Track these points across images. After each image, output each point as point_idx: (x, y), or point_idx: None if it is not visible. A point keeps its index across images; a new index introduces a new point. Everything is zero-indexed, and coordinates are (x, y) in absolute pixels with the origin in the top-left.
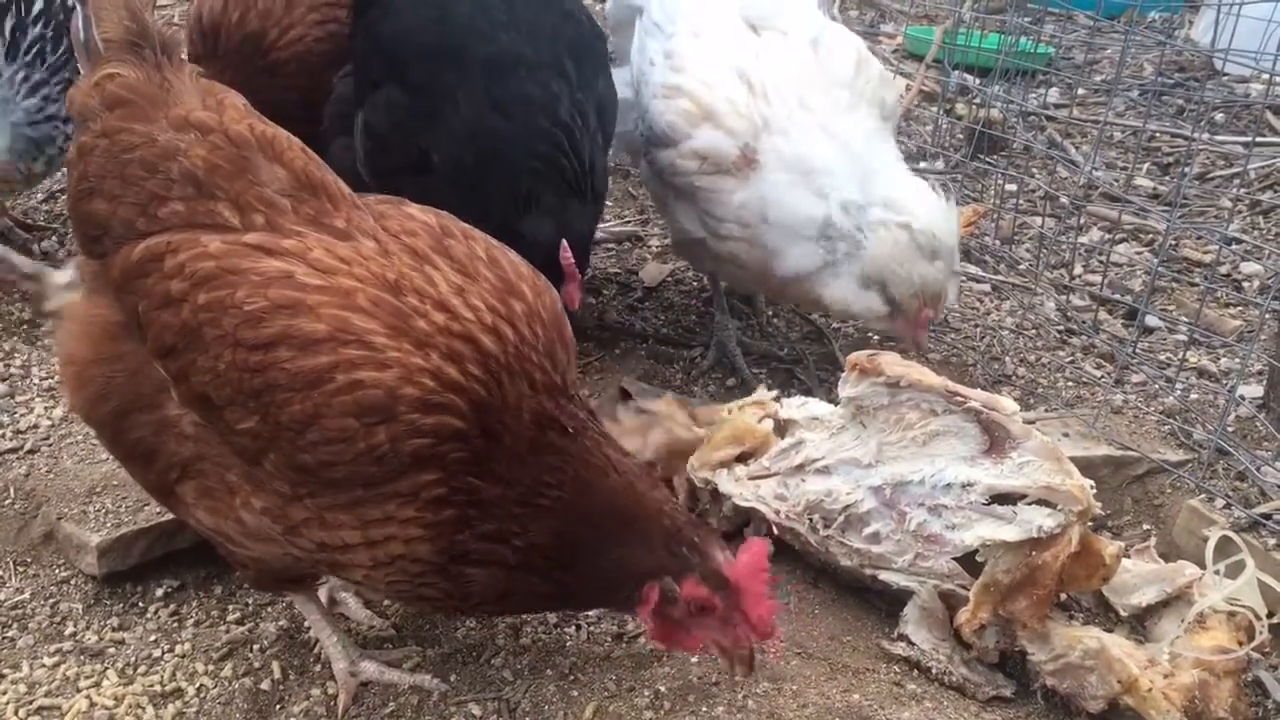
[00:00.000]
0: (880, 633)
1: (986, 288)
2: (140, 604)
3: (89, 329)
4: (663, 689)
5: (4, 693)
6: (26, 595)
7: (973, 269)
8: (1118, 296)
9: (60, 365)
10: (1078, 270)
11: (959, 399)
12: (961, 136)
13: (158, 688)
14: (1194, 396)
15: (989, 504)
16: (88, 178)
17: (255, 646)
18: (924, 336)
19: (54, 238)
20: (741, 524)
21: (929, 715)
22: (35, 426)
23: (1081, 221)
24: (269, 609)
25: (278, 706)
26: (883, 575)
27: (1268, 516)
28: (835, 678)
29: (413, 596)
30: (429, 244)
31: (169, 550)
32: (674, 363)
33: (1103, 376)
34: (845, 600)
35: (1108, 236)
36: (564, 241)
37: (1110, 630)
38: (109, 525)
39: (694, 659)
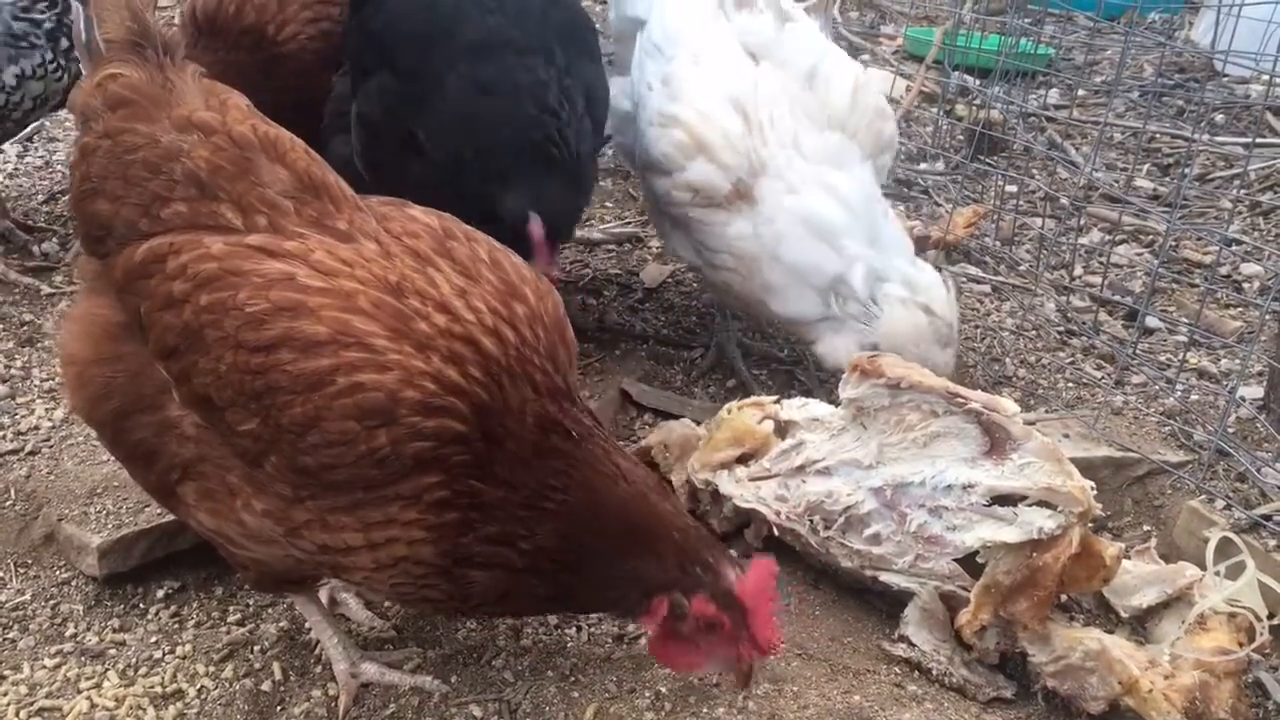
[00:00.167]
0: (881, 634)
1: (987, 289)
2: (141, 605)
3: (90, 329)
4: (663, 690)
5: (5, 694)
6: (27, 596)
7: (973, 270)
8: (1118, 298)
9: (61, 365)
10: (1078, 271)
11: (959, 400)
12: (962, 137)
13: (158, 689)
14: (1194, 398)
15: (990, 505)
16: (90, 178)
17: (256, 648)
18: None
19: (54, 240)
20: (742, 525)
21: (929, 717)
22: (36, 428)
23: (1082, 222)
24: (270, 610)
25: (278, 708)
26: (883, 576)
27: (1268, 518)
28: (836, 679)
29: (415, 598)
30: (431, 246)
31: (170, 551)
32: (674, 364)
33: (1103, 378)
34: (846, 601)
35: (1108, 237)
36: (535, 216)
37: (1111, 631)
38: (110, 527)
39: None
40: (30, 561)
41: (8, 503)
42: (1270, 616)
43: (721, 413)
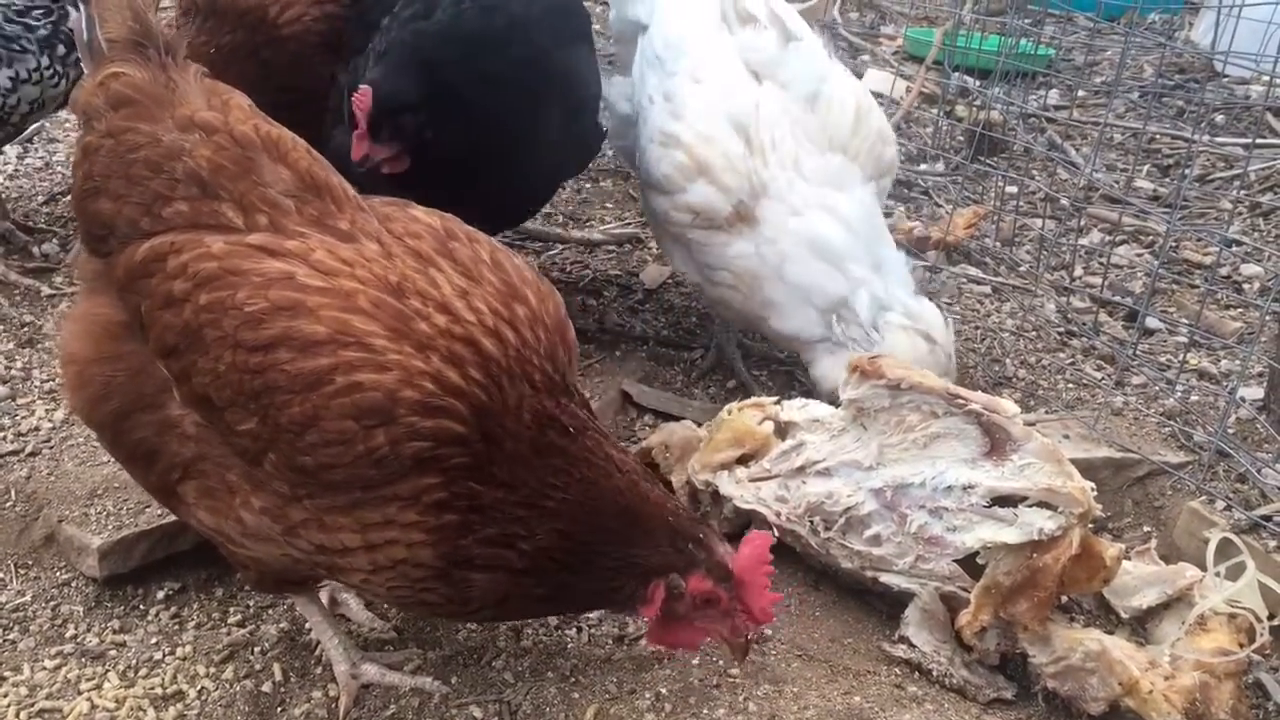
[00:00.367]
0: (881, 635)
1: (987, 289)
2: (141, 606)
3: (91, 328)
4: (664, 691)
5: (5, 695)
6: (28, 598)
7: (973, 271)
8: (1118, 298)
9: (61, 365)
10: (1078, 272)
11: (960, 401)
12: (962, 138)
13: (159, 690)
14: (1194, 398)
15: (990, 506)
16: (93, 177)
17: (256, 649)
18: None
19: (54, 241)
20: (742, 526)
21: (930, 717)
22: (36, 429)
23: (1082, 223)
24: (270, 611)
25: (279, 709)
26: (884, 577)
27: (1268, 518)
28: (836, 680)
29: (413, 602)
30: (433, 246)
31: (170, 553)
32: (674, 365)
33: (1103, 378)
34: (846, 602)
35: (1108, 238)
36: (368, 90)
37: (1111, 632)
38: (110, 528)
39: (695, 660)
40: (31, 563)
41: (8, 504)
42: (1270, 617)
43: (722, 414)
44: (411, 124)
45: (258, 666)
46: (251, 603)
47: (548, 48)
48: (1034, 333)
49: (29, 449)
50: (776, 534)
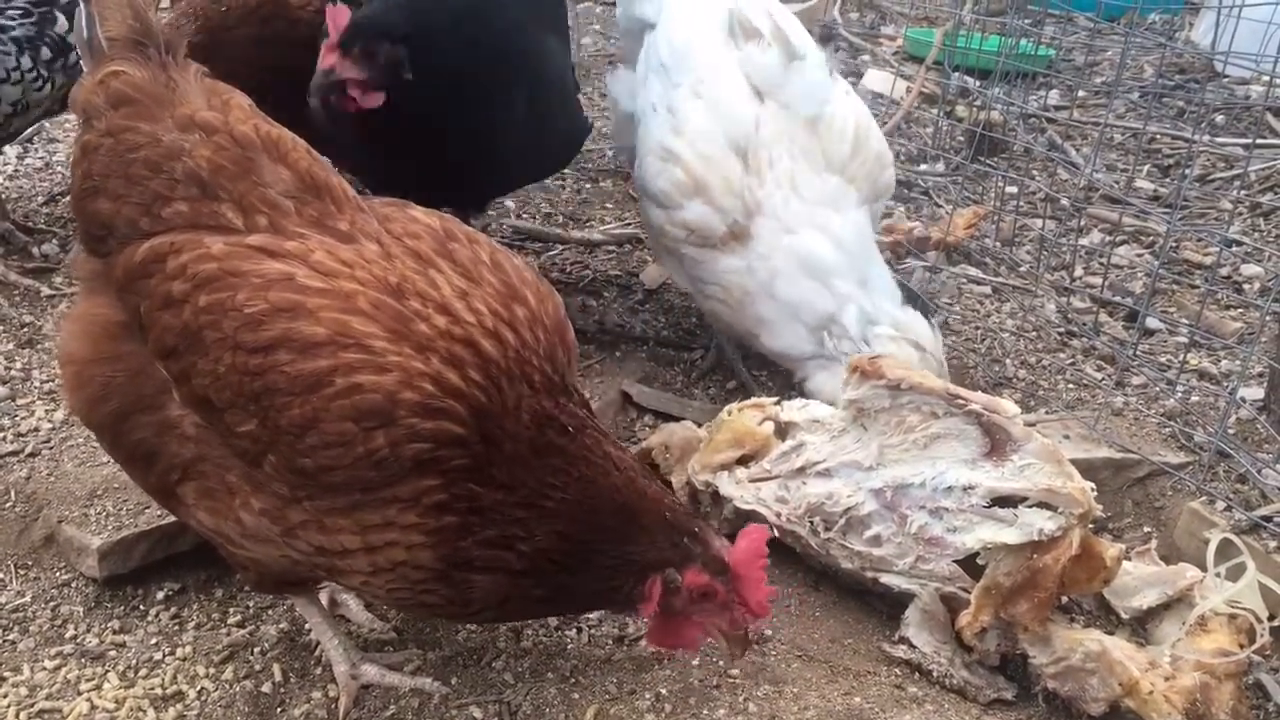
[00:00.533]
0: (881, 635)
1: (987, 290)
2: (141, 607)
3: (90, 328)
4: (664, 691)
5: (5, 696)
6: (27, 598)
7: (973, 271)
8: (1118, 299)
9: (60, 365)
10: (1078, 272)
11: (960, 401)
12: (962, 139)
13: (159, 690)
14: (1195, 399)
15: (990, 506)
16: (92, 176)
17: (256, 649)
18: None
19: (54, 241)
20: (743, 526)
21: (930, 718)
22: (36, 429)
23: (1082, 224)
24: (270, 612)
25: (279, 709)
26: (884, 578)
27: (1268, 519)
28: (836, 680)
29: (413, 603)
30: (432, 247)
31: (170, 553)
32: (674, 365)
33: (1103, 379)
34: (846, 603)
35: (1108, 239)
36: (345, 9)
37: (1111, 633)
38: (110, 528)
39: (695, 661)
40: (30, 563)
41: (8, 504)
42: (1271, 618)
43: (722, 414)
44: (389, 54)
45: (257, 667)
46: (251, 603)
47: (523, 24)
48: (1034, 333)
49: (29, 449)
50: (776, 534)
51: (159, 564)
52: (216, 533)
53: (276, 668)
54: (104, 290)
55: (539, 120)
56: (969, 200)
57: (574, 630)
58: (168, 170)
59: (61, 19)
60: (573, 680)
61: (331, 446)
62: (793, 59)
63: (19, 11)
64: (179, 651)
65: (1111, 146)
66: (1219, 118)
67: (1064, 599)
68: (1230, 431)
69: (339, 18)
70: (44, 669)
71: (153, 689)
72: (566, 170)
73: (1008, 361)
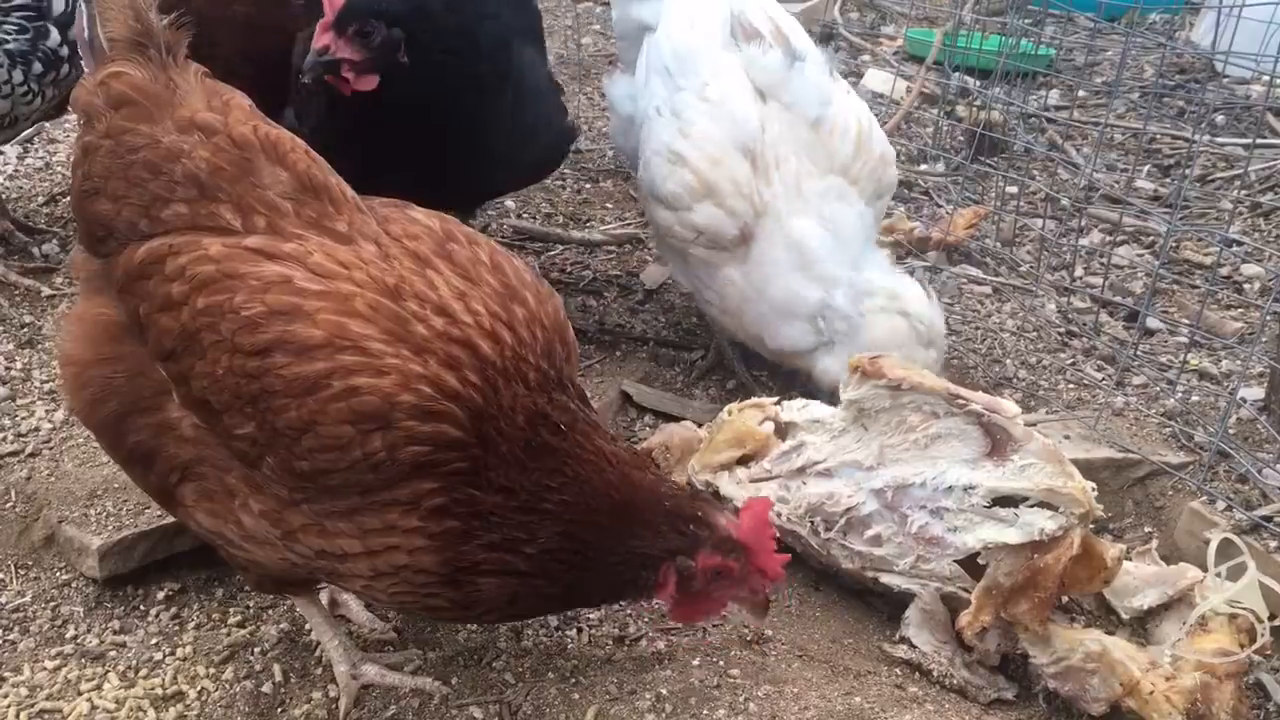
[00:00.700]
0: (881, 635)
1: (987, 290)
2: (141, 607)
3: (90, 330)
4: (664, 691)
5: (5, 696)
6: (28, 598)
7: (974, 271)
8: (1119, 299)
9: (60, 366)
10: (1079, 272)
11: (960, 401)
12: (962, 138)
13: (159, 690)
14: (1195, 399)
15: (990, 506)
16: (92, 177)
17: (256, 649)
18: None
19: (55, 241)
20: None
21: (930, 718)
22: (36, 429)
23: (1082, 224)
24: (270, 612)
25: (279, 709)
26: (884, 578)
27: (1269, 519)
28: (836, 680)
29: (418, 607)
30: (431, 248)
31: (170, 553)
32: (674, 365)
33: (1104, 379)
34: (847, 603)
35: (1108, 239)
36: None
37: (1112, 633)
38: (110, 528)
39: (695, 661)
40: (30, 563)
41: (8, 504)
42: (1271, 618)
43: (722, 414)
44: (384, 37)
45: (258, 667)
46: (251, 603)
47: (510, 21)
48: (1034, 333)
49: (29, 449)
50: (777, 534)
51: (159, 564)
52: (216, 534)
53: (277, 668)
54: (104, 291)
55: (524, 120)
56: (969, 200)
57: (574, 630)
58: (167, 172)
59: (54, 32)
60: (573, 680)
61: (329, 449)
62: (794, 60)
63: (14, 27)
64: (179, 651)
65: (1112, 146)
66: (1219, 118)
67: (1064, 599)
68: (1231, 431)
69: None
70: (44, 669)
71: (153, 689)
72: (567, 170)
73: (1008, 361)
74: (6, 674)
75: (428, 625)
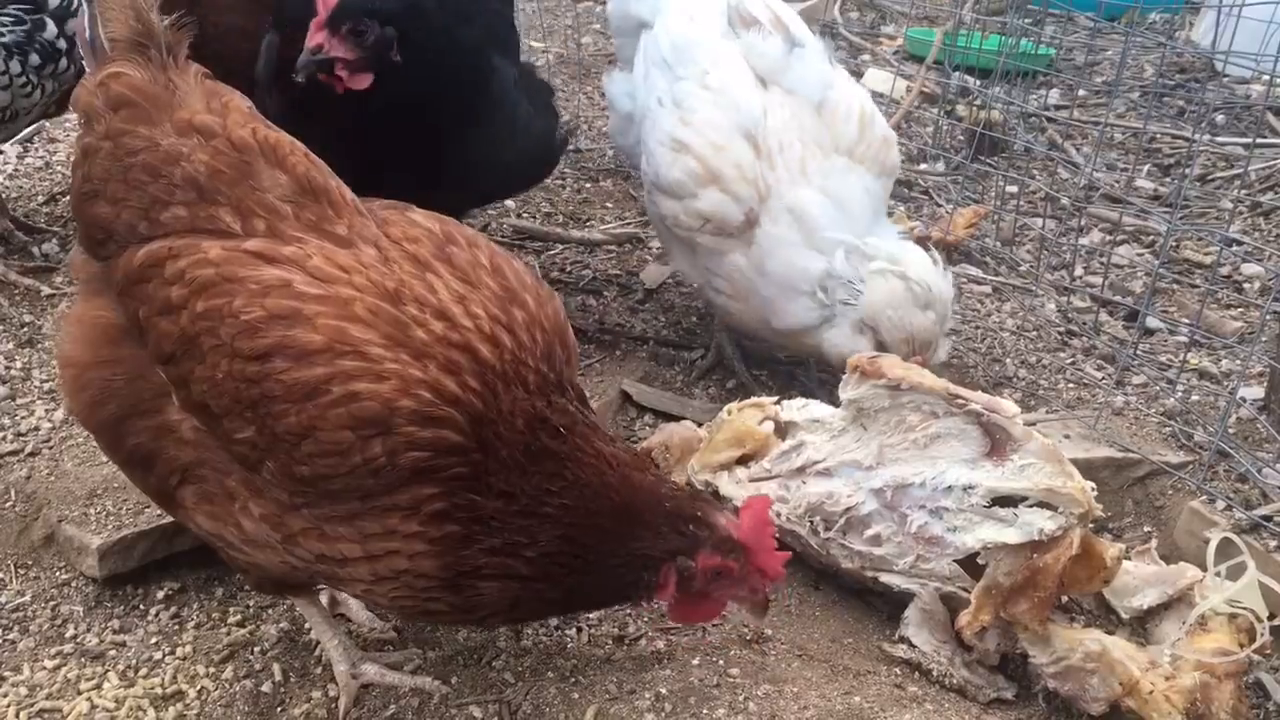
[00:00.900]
0: (881, 635)
1: (987, 289)
2: (141, 606)
3: (89, 332)
4: (664, 691)
5: (5, 695)
6: (27, 598)
7: (974, 270)
8: (1119, 298)
9: (59, 367)
10: (1078, 272)
11: (960, 401)
12: (962, 138)
13: (159, 690)
14: (1195, 398)
15: (990, 506)
16: (91, 179)
17: (256, 649)
18: None
19: (54, 240)
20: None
21: (930, 718)
22: (36, 429)
23: (1082, 223)
24: (270, 611)
25: (279, 709)
26: (884, 577)
27: (1269, 518)
28: (836, 680)
29: (418, 611)
30: (431, 251)
31: (170, 552)
32: (674, 364)
33: (1104, 378)
34: (846, 602)
35: (1108, 238)
36: None
37: (1111, 632)
38: (110, 527)
39: (695, 660)
40: (30, 563)
41: (8, 504)
42: (1271, 617)
43: (722, 414)
44: (377, 36)
45: (258, 666)
46: (251, 603)
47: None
48: (1034, 332)
49: (29, 449)
50: (777, 534)
51: (159, 563)
52: (216, 537)
53: (276, 667)
54: (103, 293)
55: (502, 125)
56: (969, 199)
57: (574, 630)
58: (166, 175)
59: (51, 25)
60: (573, 680)
61: (328, 455)
62: (793, 46)
63: (11, 19)
64: (179, 651)
65: (1112, 146)
66: (1219, 117)
67: (1064, 599)
68: (1230, 431)
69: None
70: (44, 668)
71: (153, 688)
72: (567, 169)
73: (1008, 361)
74: (6, 673)
75: (427, 625)
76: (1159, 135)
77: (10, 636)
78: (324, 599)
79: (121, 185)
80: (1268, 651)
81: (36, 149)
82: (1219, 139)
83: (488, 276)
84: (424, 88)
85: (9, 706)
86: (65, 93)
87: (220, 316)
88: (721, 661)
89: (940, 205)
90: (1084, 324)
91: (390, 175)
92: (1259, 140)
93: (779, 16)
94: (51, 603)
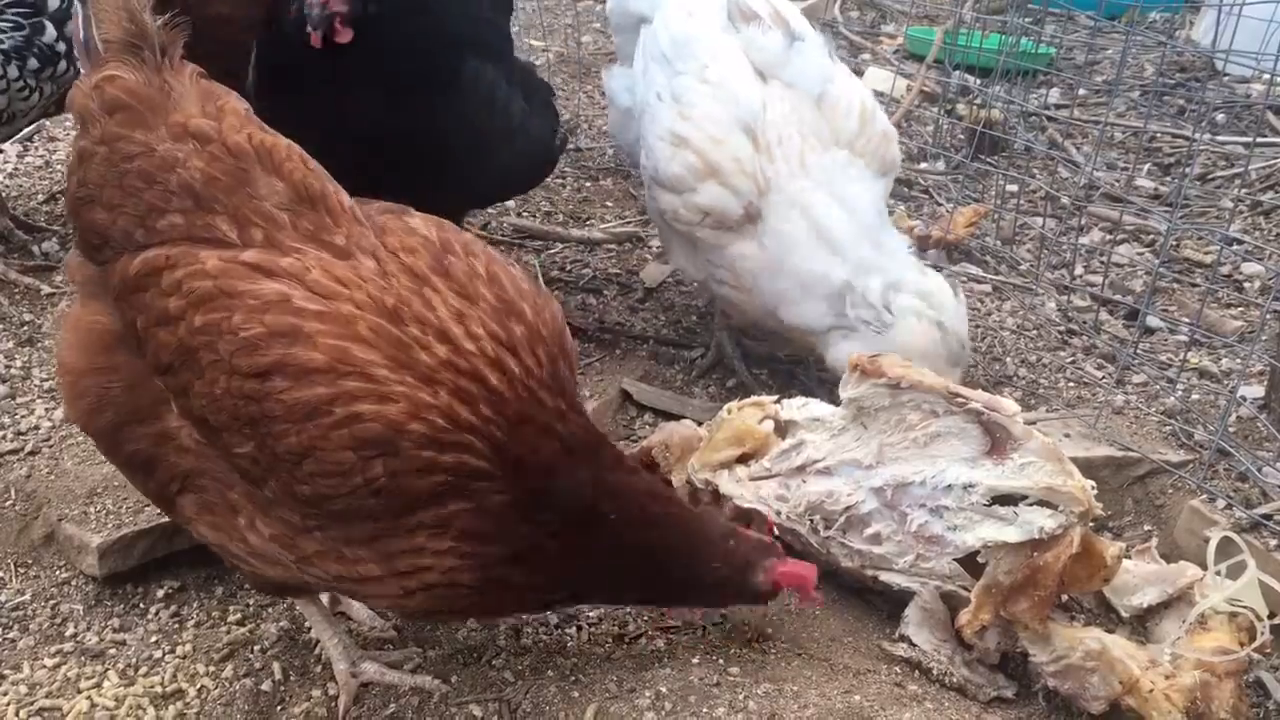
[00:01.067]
0: (881, 634)
1: (987, 288)
2: (141, 605)
3: (87, 338)
4: (664, 689)
5: (5, 694)
6: (27, 596)
7: (974, 269)
8: (1119, 297)
9: (58, 373)
10: (1079, 271)
11: (960, 400)
12: (962, 137)
13: (159, 689)
14: (1195, 397)
15: (990, 505)
16: (87, 185)
17: (256, 647)
18: None
19: (54, 239)
20: (742, 524)
21: (930, 716)
22: (36, 428)
23: (1082, 222)
24: (270, 610)
25: (279, 707)
26: (884, 576)
27: (1269, 517)
28: (836, 679)
29: (446, 612)
30: (428, 263)
31: (170, 551)
32: (674, 363)
33: (1104, 377)
34: (846, 601)
35: (1109, 237)
36: None
37: (1112, 631)
38: (110, 526)
39: (695, 659)
40: (30, 561)
41: (8, 502)
42: (1271, 616)
43: (722, 413)
44: None
45: (257, 665)
46: (251, 601)
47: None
48: (1035, 331)
49: (29, 447)
50: (776, 532)
51: (159, 562)
52: (220, 547)
53: (276, 666)
54: (100, 297)
55: (491, 122)
56: (969, 198)
57: (574, 628)
58: (162, 181)
59: (51, 29)
60: (573, 678)
61: (329, 475)
62: (793, 40)
63: (9, 24)
64: (179, 649)
65: (1112, 145)
66: (1219, 116)
67: (1064, 597)
68: (1231, 430)
69: None
70: (44, 667)
71: (153, 687)
72: (567, 168)
73: (1008, 360)
74: (6, 672)
75: (428, 624)
76: (1159, 134)
77: (10, 635)
78: (324, 598)
79: (117, 191)
80: (1268, 650)
81: (36, 147)
82: (1219, 138)
83: (484, 287)
84: (396, 46)
85: (9, 705)
86: (64, 94)
87: (219, 331)
88: (721, 660)
89: (940, 204)
90: (1084, 323)
91: (379, 163)
92: (1259, 139)
93: (779, 11)
94: (51, 601)
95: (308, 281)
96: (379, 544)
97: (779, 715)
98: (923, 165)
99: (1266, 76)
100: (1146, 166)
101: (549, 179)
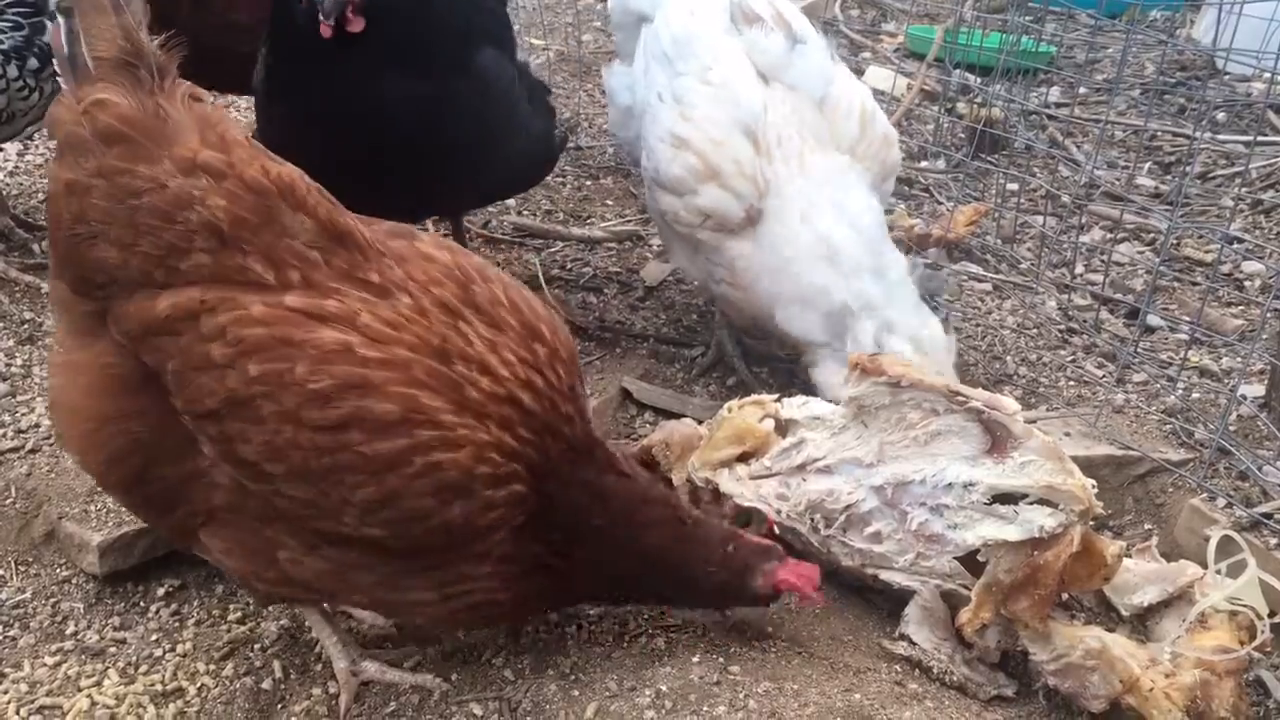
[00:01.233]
0: (881, 632)
1: (988, 287)
2: (141, 603)
3: (101, 382)
4: (664, 688)
5: (5, 692)
6: (28, 594)
7: (974, 268)
8: (1119, 296)
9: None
10: (1079, 269)
11: (960, 399)
12: (963, 135)
13: (159, 687)
14: (1195, 396)
15: (991, 504)
16: (88, 221)
17: (257, 646)
18: None
19: None
20: (743, 524)
21: (930, 715)
22: (36, 426)
23: (1083, 221)
24: (270, 609)
25: (279, 706)
26: (884, 575)
27: (1269, 516)
28: (836, 677)
29: (477, 620)
30: (456, 294)
31: (170, 549)
32: (675, 362)
33: (1104, 376)
34: (847, 600)
35: (1109, 236)
36: None
37: (1112, 630)
38: (110, 524)
39: (695, 658)
40: (31, 559)
41: (8, 500)
42: (1271, 615)
43: (722, 411)
44: None
45: (258, 663)
46: (251, 600)
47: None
48: (1035, 330)
49: (29, 446)
50: (777, 531)
51: (159, 560)
52: (243, 575)
53: (277, 664)
54: (99, 334)
55: (494, 119)
56: (970, 197)
57: (574, 627)
58: (180, 220)
59: (51, 28)
60: (573, 677)
61: (408, 521)
62: (795, 43)
63: (9, 24)
64: (179, 648)
65: (1112, 143)
66: (1220, 115)
67: (1064, 596)
68: (1231, 428)
69: None
70: (44, 665)
71: (153, 685)
72: (567, 167)
73: (1008, 359)
74: (7, 670)
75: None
76: (1160, 133)
77: (11, 633)
78: None
79: (129, 230)
80: (1268, 649)
81: (37, 146)
82: (1220, 137)
83: (508, 314)
84: (399, 36)
85: (9, 703)
86: None
87: (282, 383)
88: (722, 659)
89: (941, 203)
90: (1085, 322)
91: (390, 154)
92: (1260, 138)
93: (781, 13)
94: (52, 600)
95: (359, 326)
96: (434, 574)
97: (779, 714)
98: (923, 164)
99: (1267, 75)
100: (1147, 165)
101: (549, 177)
